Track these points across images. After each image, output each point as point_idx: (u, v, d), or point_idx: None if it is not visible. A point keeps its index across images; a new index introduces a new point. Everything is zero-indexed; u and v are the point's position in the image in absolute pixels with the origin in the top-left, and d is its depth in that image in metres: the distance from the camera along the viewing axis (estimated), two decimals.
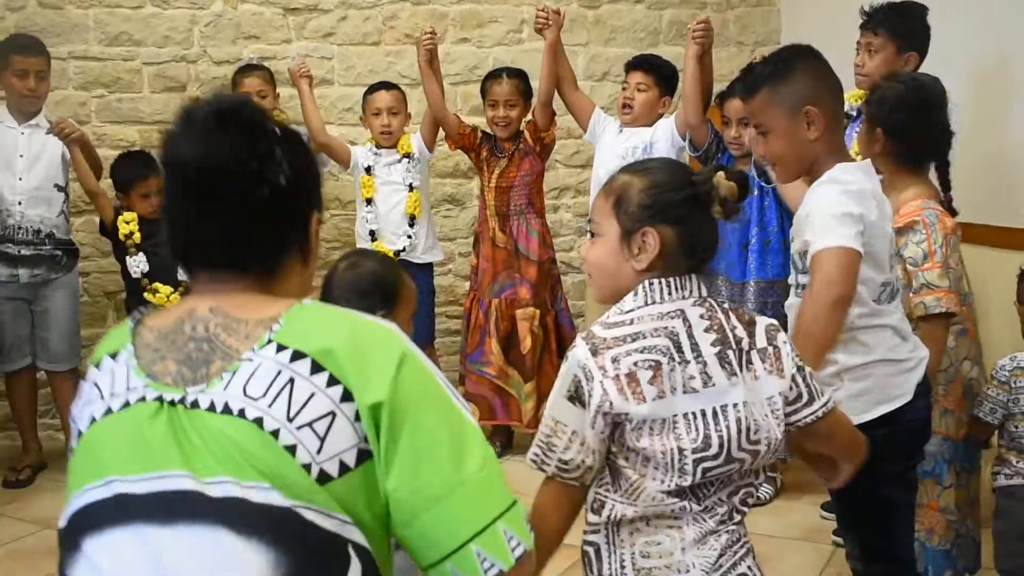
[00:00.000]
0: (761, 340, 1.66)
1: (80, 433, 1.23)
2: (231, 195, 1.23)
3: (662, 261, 1.63)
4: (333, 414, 1.16)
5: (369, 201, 4.28)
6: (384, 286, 2.07)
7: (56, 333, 4.12)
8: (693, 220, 1.63)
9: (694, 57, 3.69)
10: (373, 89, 4.31)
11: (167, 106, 4.60)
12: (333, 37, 4.74)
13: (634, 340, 1.57)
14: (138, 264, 4.04)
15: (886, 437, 2.05)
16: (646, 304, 1.61)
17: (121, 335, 1.29)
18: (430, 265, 4.39)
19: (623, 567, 1.60)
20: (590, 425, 1.55)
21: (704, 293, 1.65)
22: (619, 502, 1.59)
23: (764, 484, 3.68)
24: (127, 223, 4.05)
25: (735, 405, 1.59)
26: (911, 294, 2.56)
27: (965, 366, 2.78)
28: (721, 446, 1.57)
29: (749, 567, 1.63)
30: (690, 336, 1.59)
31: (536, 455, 1.60)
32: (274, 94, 4.35)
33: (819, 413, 1.70)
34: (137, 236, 4.05)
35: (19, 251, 4.00)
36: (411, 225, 4.25)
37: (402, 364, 1.19)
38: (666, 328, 1.58)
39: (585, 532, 1.64)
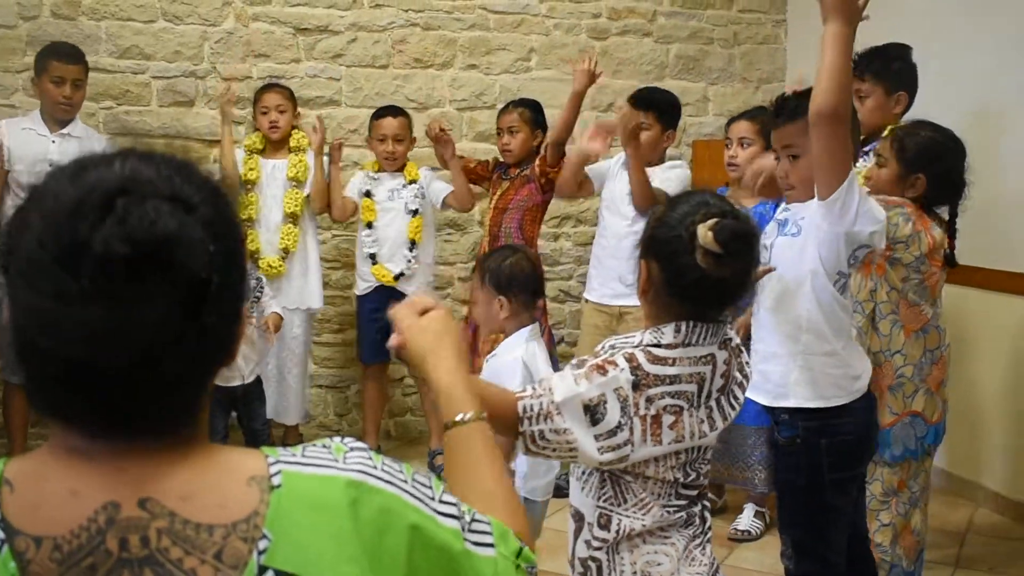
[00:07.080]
0: (740, 374, 1.71)
1: None
2: (144, 371, 0.82)
3: (652, 292, 1.66)
4: None
5: (369, 224, 4.31)
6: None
7: None
8: (676, 262, 1.61)
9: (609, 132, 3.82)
10: (380, 114, 4.32)
11: (175, 120, 4.64)
12: (342, 58, 4.77)
13: (671, 383, 1.60)
14: None
15: (828, 447, 2.21)
16: (684, 344, 1.62)
17: None
18: None
19: None
20: (596, 449, 1.58)
21: (729, 335, 1.69)
22: (626, 516, 1.63)
23: (753, 519, 3.67)
24: None
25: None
26: None
27: None
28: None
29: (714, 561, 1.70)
30: (711, 382, 1.64)
31: (529, 409, 1.57)
32: (294, 112, 4.32)
33: None
34: None
35: None
36: (411, 249, 4.28)
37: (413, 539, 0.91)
38: (699, 374, 1.62)
39: (589, 547, 1.67)
